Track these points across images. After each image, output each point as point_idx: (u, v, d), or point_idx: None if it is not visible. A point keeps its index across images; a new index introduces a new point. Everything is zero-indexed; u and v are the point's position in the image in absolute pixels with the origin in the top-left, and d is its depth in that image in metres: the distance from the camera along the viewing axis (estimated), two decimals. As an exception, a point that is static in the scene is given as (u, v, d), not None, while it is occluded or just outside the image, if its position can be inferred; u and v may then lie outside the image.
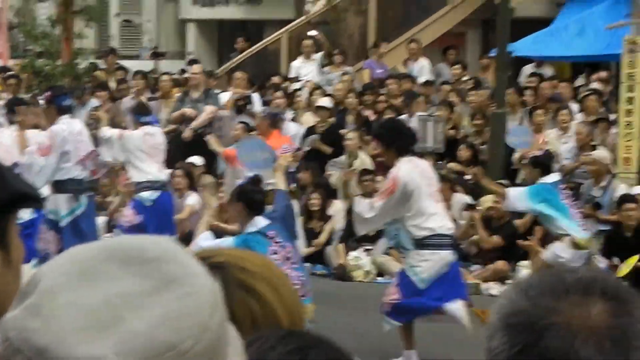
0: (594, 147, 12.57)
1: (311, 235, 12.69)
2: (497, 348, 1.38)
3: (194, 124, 14.10)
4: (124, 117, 14.56)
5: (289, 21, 18.94)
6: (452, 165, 13.28)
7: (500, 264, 11.57)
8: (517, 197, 9.84)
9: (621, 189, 11.80)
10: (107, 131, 10.83)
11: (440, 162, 13.34)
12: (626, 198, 11.38)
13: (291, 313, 1.59)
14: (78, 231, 10.04)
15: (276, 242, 7.25)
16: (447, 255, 8.02)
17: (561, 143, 13.11)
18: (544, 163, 10.28)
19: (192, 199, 12.48)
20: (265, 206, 7.56)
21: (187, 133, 13.88)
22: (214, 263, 1.58)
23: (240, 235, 7.43)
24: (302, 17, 18.61)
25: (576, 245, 9.78)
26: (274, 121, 10.68)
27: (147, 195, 10.80)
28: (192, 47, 20.87)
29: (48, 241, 10.06)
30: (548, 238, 11.21)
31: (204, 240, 7.63)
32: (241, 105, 14.42)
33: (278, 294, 1.59)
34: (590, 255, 10.28)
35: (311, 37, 16.95)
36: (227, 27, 21.71)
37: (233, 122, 13.74)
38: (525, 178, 10.92)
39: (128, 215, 11.01)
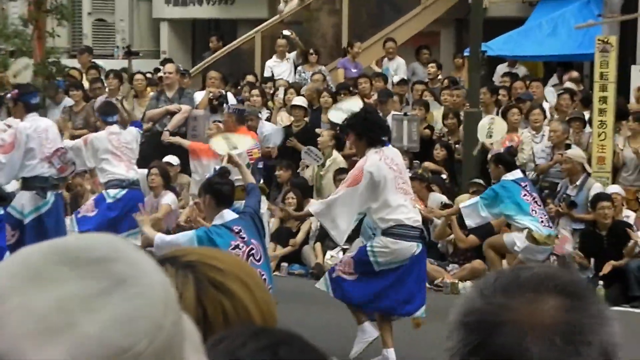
0: (568, 146, 12.65)
1: (288, 234, 12.69)
2: (454, 347, 1.38)
3: (170, 125, 14.06)
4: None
5: (263, 20, 18.92)
6: (428, 164, 13.32)
7: (477, 263, 11.62)
8: (471, 214, 9.98)
9: (596, 187, 11.89)
10: (68, 142, 10.84)
11: (416, 161, 13.39)
12: (601, 197, 11.47)
13: (263, 311, 1.59)
14: (42, 229, 10.01)
15: (241, 238, 7.25)
16: (410, 247, 8.07)
17: (535, 142, 13.18)
18: (506, 160, 10.31)
19: (168, 198, 12.44)
20: (233, 199, 7.58)
21: (164, 136, 13.88)
22: (185, 262, 1.59)
23: (201, 228, 7.47)
24: (276, 17, 18.60)
25: (534, 240, 9.86)
26: (240, 118, 10.70)
27: (114, 192, 10.82)
28: (165, 47, 20.80)
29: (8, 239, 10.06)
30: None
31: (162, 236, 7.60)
32: (216, 105, 14.40)
33: (250, 291, 1.59)
34: (551, 253, 10.42)
35: (285, 36, 16.95)
36: (201, 27, 21.66)
37: (208, 121, 13.71)
38: (491, 175, 11.02)
39: (86, 206, 11.05)
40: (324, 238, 12.53)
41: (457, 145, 13.66)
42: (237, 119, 10.61)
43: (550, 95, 14.84)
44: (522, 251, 10.04)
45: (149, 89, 15.24)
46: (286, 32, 17.06)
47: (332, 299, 10.94)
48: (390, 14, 18.57)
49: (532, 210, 10.01)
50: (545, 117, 13.43)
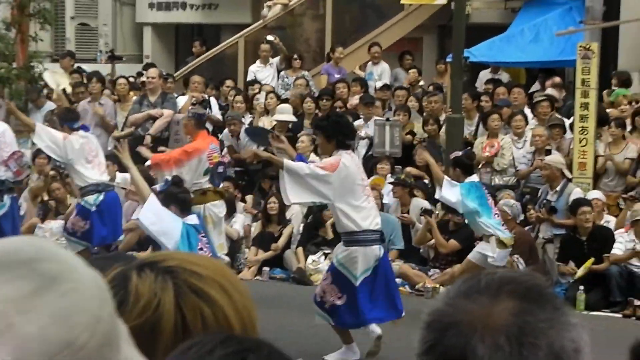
0: (549, 152, 12.71)
1: (270, 239, 12.70)
2: (417, 346, 1.42)
3: (152, 129, 14.05)
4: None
5: (246, 25, 18.92)
6: (410, 169, 13.35)
7: (458, 268, 11.63)
8: (450, 187, 9.97)
9: (576, 193, 11.94)
10: (46, 133, 10.86)
11: (398, 166, 13.42)
12: (581, 202, 11.52)
13: (243, 317, 1.59)
14: None
15: (204, 241, 7.64)
16: (374, 251, 8.27)
17: (516, 148, 13.24)
18: (463, 163, 10.38)
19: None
20: (191, 205, 7.84)
21: (146, 140, 13.88)
22: (165, 267, 1.59)
23: (184, 223, 7.67)
24: (259, 22, 18.59)
25: (502, 244, 9.94)
26: (200, 122, 10.75)
27: (92, 199, 10.87)
28: (149, 51, 20.76)
29: None
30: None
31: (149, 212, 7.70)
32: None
33: (230, 298, 1.58)
34: (510, 255, 10.47)
35: (268, 41, 16.96)
36: (184, 31, 21.64)
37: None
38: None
39: (75, 222, 11.10)
40: (306, 243, 12.55)
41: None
42: (195, 123, 10.68)
43: None
44: (497, 259, 9.91)
45: (131, 93, 15.23)
46: (270, 37, 17.06)
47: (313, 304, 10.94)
48: (374, 19, 18.61)
49: (495, 214, 10.09)
50: (527, 123, 13.48)
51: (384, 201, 12.54)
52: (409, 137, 13.88)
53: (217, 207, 10.63)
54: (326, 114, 9.05)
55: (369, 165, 13.19)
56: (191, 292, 1.57)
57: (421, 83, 16.41)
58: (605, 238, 11.28)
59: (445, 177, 10.12)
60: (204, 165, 10.43)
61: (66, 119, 11.30)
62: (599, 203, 11.81)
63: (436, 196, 10.59)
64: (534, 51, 16.31)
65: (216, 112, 14.87)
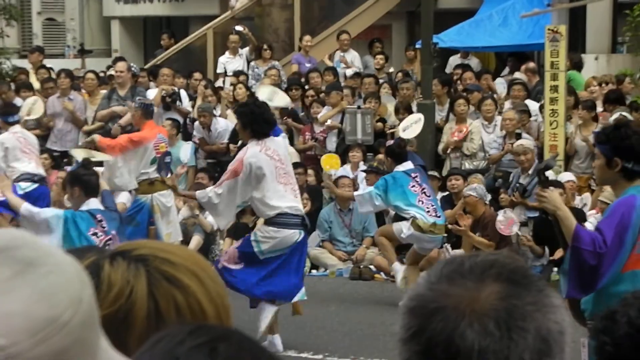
0: (518, 135, 12.76)
1: (244, 229, 12.66)
2: (399, 332, 1.40)
3: (122, 121, 13.98)
4: (49, 117, 14.42)
5: (214, 17, 18.86)
6: (381, 157, 13.34)
7: (434, 252, 11.65)
8: (364, 202, 10.24)
9: (548, 175, 11.97)
10: None
11: (370, 154, 13.42)
12: (553, 184, 11.56)
13: (217, 304, 1.59)
14: None
15: (101, 227, 7.57)
16: (293, 234, 8.42)
17: (487, 133, 13.27)
18: (395, 152, 10.54)
19: (122, 197, 12.39)
20: (99, 188, 7.85)
21: (114, 130, 13.79)
22: (137, 255, 1.59)
23: (67, 210, 7.80)
24: (227, 13, 18.54)
25: (418, 228, 10.08)
26: (147, 112, 10.79)
27: (24, 185, 10.94)
28: (117, 45, 20.67)
29: None
30: (477, 225, 11.38)
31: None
32: (169, 102, 14.35)
33: (203, 285, 1.58)
34: (443, 242, 10.64)
35: (237, 32, 16.91)
36: (152, 24, 21.56)
37: (161, 118, 13.67)
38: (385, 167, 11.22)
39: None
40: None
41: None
42: (142, 114, 10.73)
43: (500, 86, 14.94)
44: (408, 238, 10.20)
45: (100, 87, 15.13)
46: (238, 28, 17.02)
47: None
48: (342, 7, 18.60)
49: (419, 200, 10.21)
50: (496, 107, 13.52)
51: (359, 189, 12.54)
52: (379, 124, 13.88)
53: (165, 197, 10.70)
54: (246, 102, 9.32)
55: (340, 153, 13.21)
56: (164, 279, 1.57)
57: (391, 70, 16.41)
58: (578, 220, 11.30)
59: (356, 193, 10.51)
60: (150, 155, 10.51)
61: (2, 113, 11.41)
62: (573, 185, 11.86)
63: (360, 211, 10.87)
64: (503, 35, 16.36)
65: (186, 104, 14.82)
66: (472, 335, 1.34)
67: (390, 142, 10.59)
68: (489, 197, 12.02)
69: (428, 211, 10.23)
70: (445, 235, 10.62)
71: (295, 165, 12.81)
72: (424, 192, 10.39)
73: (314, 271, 12.17)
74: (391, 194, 10.09)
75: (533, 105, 13.47)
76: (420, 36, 14.19)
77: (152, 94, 14.62)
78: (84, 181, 7.67)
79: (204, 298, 1.58)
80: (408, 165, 10.41)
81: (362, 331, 9.19)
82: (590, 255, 5.12)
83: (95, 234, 7.48)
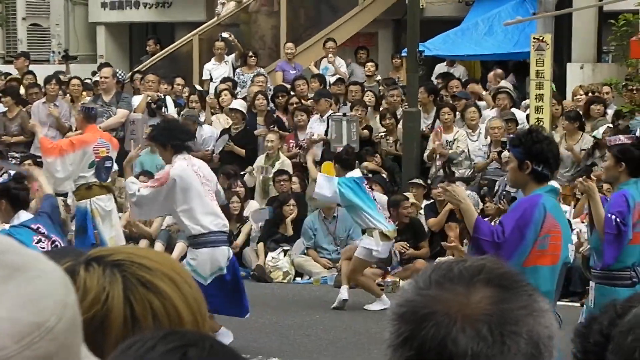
0: (504, 144, 12.76)
1: (229, 237, 12.63)
2: (388, 339, 1.39)
3: (103, 125, 13.97)
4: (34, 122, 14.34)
5: (200, 23, 18.84)
6: (367, 164, 13.34)
7: (419, 264, 11.65)
8: (324, 185, 10.24)
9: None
10: None
11: (357, 161, 13.39)
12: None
13: (193, 309, 1.58)
14: None
15: (40, 233, 7.53)
16: (223, 251, 8.46)
17: (471, 140, 13.28)
18: (342, 159, 10.64)
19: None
20: (29, 202, 7.84)
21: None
22: (112, 261, 1.58)
23: (3, 229, 7.76)
24: (213, 19, 18.52)
25: (385, 237, 10.15)
26: (89, 116, 10.83)
27: None
28: (102, 51, 20.62)
29: None
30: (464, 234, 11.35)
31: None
32: (154, 108, 14.31)
33: (179, 290, 1.58)
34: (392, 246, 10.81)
35: (223, 38, 16.89)
36: (138, 30, 21.52)
37: (146, 125, 13.63)
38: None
39: None
40: (266, 239, 12.51)
41: (394, 145, 13.74)
42: (85, 117, 10.78)
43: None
44: (382, 252, 10.24)
45: (84, 93, 15.10)
46: (224, 35, 17.00)
47: (274, 302, 10.95)
48: (329, 15, 18.61)
49: (378, 207, 10.29)
50: (480, 115, 13.53)
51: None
52: (365, 132, 13.87)
53: (103, 201, 10.70)
54: (157, 123, 9.45)
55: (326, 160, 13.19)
56: (140, 284, 1.57)
57: (378, 78, 16.42)
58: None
59: (320, 174, 10.53)
60: (89, 159, 10.53)
61: None
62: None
63: (313, 195, 10.86)
64: (489, 44, 16.40)
65: (172, 111, 14.79)
66: (465, 340, 1.33)
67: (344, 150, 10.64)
68: (481, 205, 12.04)
69: (386, 217, 10.40)
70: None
71: (280, 173, 12.83)
72: (375, 200, 10.54)
73: (298, 279, 12.15)
74: (356, 195, 10.13)
75: (520, 114, 13.49)
76: (406, 44, 14.20)
77: (137, 100, 14.59)
78: (12, 195, 7.58)
79: (181, 303, 1.57)
80: (356, 173, 10.50)
81: (346, 339, 9.16)
82: (488, 245, 5.42)
83: (40, 241, 7.49)
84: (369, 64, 16.31)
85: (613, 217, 6.83)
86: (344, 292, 10.32)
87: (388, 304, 10.24)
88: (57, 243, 7.42)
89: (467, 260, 1.44)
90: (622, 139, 7.41)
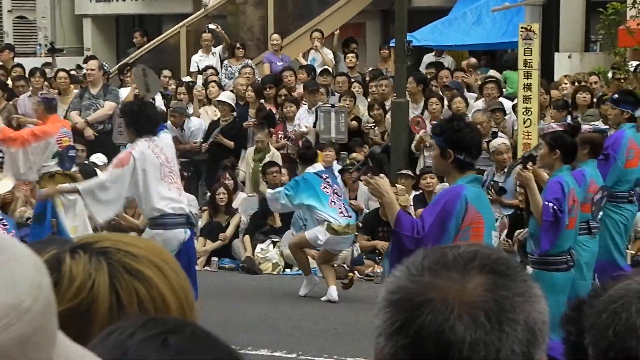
0: (494, 134, 12.76)
1: (218, 229, 12.61)
2: (380, 326, 1.37)
3: (90, 117, 13.94)
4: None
5: (187, 15, 18.79)
6: (355, 155, 13.32)
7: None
8: (273, 201, 10.55)
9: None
10: None
11: (344, 152, 13.38)
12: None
13: (180, 297, 1.57)
14: None
15: (3, 225, 7.71)
16: (178, 234, 8.46)
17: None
18: (304, 154, 10.91)
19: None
20: None
21: (87, 132, 13.74)
22: (98, 248, 1.57)
23: None
24: (200, 11, 18.47)
25: (334, 231, 10.30)
26: (49, 106, 10.85)
27: None
28: (89, 43, 20.56)
29: None
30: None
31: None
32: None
33: (165, 278, 1.57)
34: (354, 240, 11.01)
35: (210, 30, 16.84)
36: (125, 23, 21.45)
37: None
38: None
39: None
40: (254, 231, 12.49)
41: (383, 136, 13.72)
42: (45, 108, 10.82)
43: None
44: (325, 244, 10.40)
45: (72, 86, 15.04)
46: (211, 26, 16.95)
47: (263, 294, 10.94)
48: (316, 6, 18.57)
49: (331, 202, 10.48)
50: (467, 105, 13.51)
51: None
52: (354, 123, 13.84)
53: None
54: (130, 102, 9.54)
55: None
56: (126, 272, 1.56)
57: (370, 69, 16.36)
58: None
59: (269, 190, 10.97)
60: (53, 149, 10.52)
61: None
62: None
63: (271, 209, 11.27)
64: (477, 34, 16.39)
65: (159, 103, 14.74)
66: (463, 328, 1.32)
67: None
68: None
69: (340, 212, 10.47)
70: (356, 234, 10.91)
71: (270, 165, 12.79)
72: (336, 193, 10.66)
73: (287, 270, 12.13)
74: (303, 194, 10.31)
75: (507, 103, 13.49)
76: (394, 35, 14.17)
77: (125, 92, 14.55)
78: None
79: (167, 290, 1.56)
80: (318, 166, 10.70)
81: (336, 330, 9.16)
82: (408, 240, 5.45)
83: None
84: (350, 54, 16.25)
85: (550, 204, 7.05)
86: (333, 294, 10.34)
87: (314, 284, 10.51)
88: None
89: (460, 246, 1.43)
90: (555, 126, 7.65)
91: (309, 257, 11.01)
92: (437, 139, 5.80)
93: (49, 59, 17.41)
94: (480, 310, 1.33)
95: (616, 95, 9.92)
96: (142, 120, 8.54)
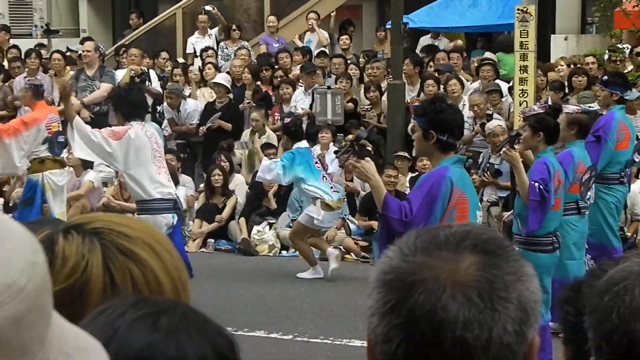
0: (490, 116, 12.76)
1: (214, 210, 12.62)
2: (373, 306, 1.38)
3: (87, 99, 13.91)
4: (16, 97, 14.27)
5: (184, -4, 18.71)
6: (352, 137, 13.31)
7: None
8: (265, 170, 10.50)
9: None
10: None
11: (340, 134, 13.37)
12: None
13: (173, 277, 1.57)
14: None
15: None
16: (165, 219, 8.56)
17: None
18: (289, 131, 10.99)
19: (90, 176, 12.47)
20: None
21: (84, 114, 13.71)
22: (91, 229, 1.57)
23: None
24: (197, -8, 18.41)
25: (327, 207, 10.34)
26: (37, 92, 10.87)
27: None
28: (85, 25, 20.49)
29: None
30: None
31: None
32: (138, 82, 14.24)
33: (159, 259, 1.57)
34: (342, 216, 11.13)
35: (206, 12, 16.79)
36: (120, 4, 21.37)
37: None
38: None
39: None
40: (250, 213, 12.50)
41: (379, 118, 13.71)
42: (33, 94, 10.86)
43: None
44: (323, 220, 10.47)
45: (67, 67, 15.01)
46: (208, 8, 16.90)
47: (260, 275, 10.96)
48: (312, -13, 18.49)
49: (323, 177, 10.56)
50: (463, 87, 13.50)
51: (328, 170, 12.52)
52: (350, 104, 13.83)
53: (56, 176, 10.72)
54: (119, 86, 9.63)
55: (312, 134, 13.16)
56: (119, 253, 1.56)
57: (365, 51, 16.33)
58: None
59: (265, 158, 10.94)
60: (43, 135, 10.55)
61: None
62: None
63: (257, 178, 11.27)
64: (473, 16, 16.37)
65: (156, 85, 14.72)
66: (456, 307, 1.33)
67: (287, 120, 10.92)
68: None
69: (331, 187, 10.56)
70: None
71: (267, 147, 12.79)
72: (325, 169, 10.76)
73: (284, 252, 12.14)
74: (298, 167, 10.40)
75: (504, 85, 13.48)
76: (391, 16, 14.14)
77: (121, 74, 14.52)
78: None
79: (161, 271, 1.56)
80: (304, 144, 10.79)
81: (332, 312, 9.18)
82: (397, 222, 5.43)
83: None
84: (344, 37, 16.22)
85: (536, 184, 7.13)
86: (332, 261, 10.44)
87: (321, 274, 10.50)
88: None
89: (452, 226, 1.43)
90: (536, 109, 7.72)
91: (311, 247, 10.98)
92: (420, 120, 5.77)
93: (45, 41, 17.35)
94: (473, 290, 1.34)
95: (606, 77, 9.92)
96: (129, 104, 8.65)
